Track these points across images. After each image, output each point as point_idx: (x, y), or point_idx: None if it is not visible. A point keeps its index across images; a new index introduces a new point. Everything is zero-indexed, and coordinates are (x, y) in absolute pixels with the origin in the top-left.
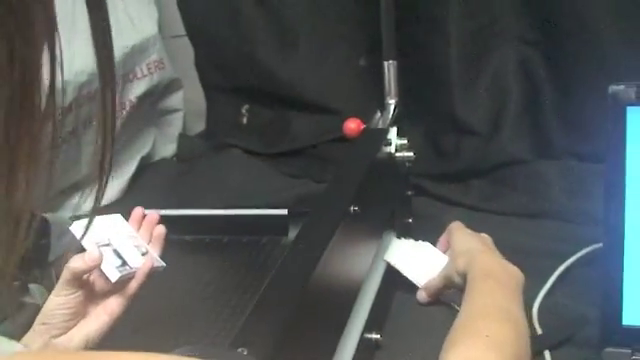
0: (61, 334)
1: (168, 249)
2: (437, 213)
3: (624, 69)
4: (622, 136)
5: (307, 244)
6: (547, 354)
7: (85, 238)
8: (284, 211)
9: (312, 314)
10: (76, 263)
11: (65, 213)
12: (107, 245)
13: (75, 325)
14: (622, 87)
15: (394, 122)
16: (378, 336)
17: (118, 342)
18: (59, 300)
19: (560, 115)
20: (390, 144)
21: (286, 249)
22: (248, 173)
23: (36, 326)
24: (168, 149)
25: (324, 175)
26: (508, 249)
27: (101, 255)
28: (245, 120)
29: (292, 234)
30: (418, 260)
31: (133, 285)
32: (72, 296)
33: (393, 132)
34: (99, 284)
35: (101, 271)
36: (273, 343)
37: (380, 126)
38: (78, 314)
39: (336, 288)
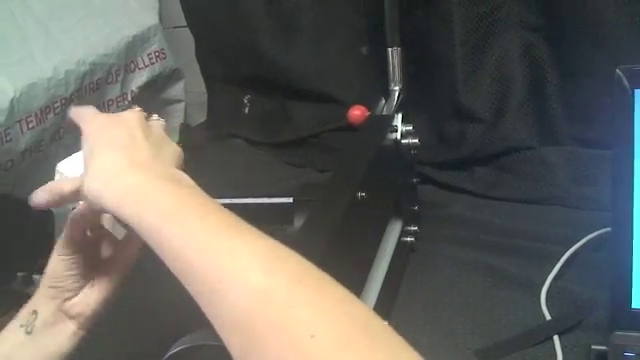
0: (73, 296)
1: None
2: (442, 201)
3: (628, 53)
4: (630, 119)
5: (314, 230)
6: (556, 339)
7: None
8: (289, 199)
9: None
10: (73, 218)
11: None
12: None
13: (86, 285)
14: (629, 70)
15: (399, 109)
16: (385, 323)
17: (117, 335)
18: (64, 260)
19: (565, 101)
20: (396, 130)
21: (292, 237)
22: (251, 163)
23: (44, 289)
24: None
25: (327, 164)
26: (514, 235)
27: (59, 184)
28: (247, 110)
29: (298, 222)
30: None
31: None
32: (76, 254)
33: (398, 118)
34: (97, 238)
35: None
36: None
37: (385, 113)
38: (88, 272)
39: (344, 275)
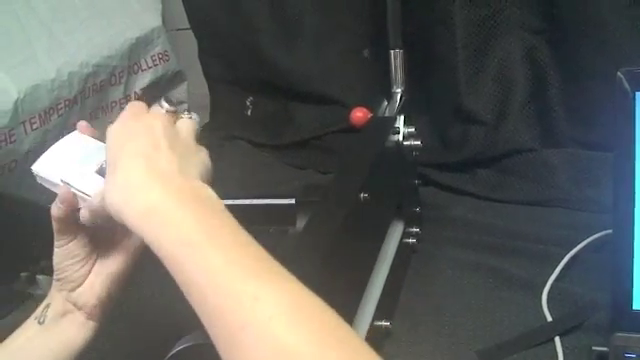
0: (78, 286)
1: None
2: (444, 202)
3: (630, 56)
4: (631, 121)
5: (317, 232)
6: (557, 340)
7: (51, 171)
8: (292, 200)
9: (324, 299)
10: (54, 212)
11: None
12: (76, 167)
13: (89, 272)
14: (630, 72)
15: (401, 111)
16: (388, 323)
17: (121, 336)
18: (60, 251)
19: (566, 103)
20: (398, 132)
21: (294, 238)
22: (253, 164)
23: (54, 282)
24: None
25: (329, 166)
26: (516, 237)
27: (69, 190)
28: (249, 112)
29: (300, 223)
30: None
31: None
32: (71, 243)
33: (400, 120)
34: (92, 219)
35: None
36: None
37: (387, 115)
38: (87, 259)
39: (346, 276)
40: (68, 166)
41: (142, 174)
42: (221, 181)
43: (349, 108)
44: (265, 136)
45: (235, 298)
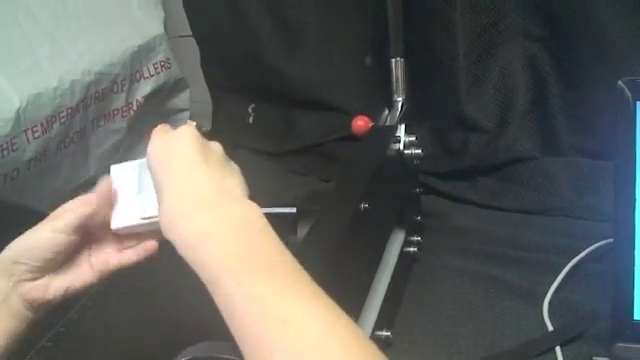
0: (35, 278)
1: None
2: (445, 211)
3: (631, 65)
4: (632, 130)
5: (318, 242)
6: (558, 350)
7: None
8: (293, 209)
9: None
10: (83, 210)
11: None
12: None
13: (54, 271)
14: (631, 82)
15: (402, 119)
16: (389, 333)
17: (127, 344)
18: (48, 236)
19: (567, 112)
20: (399, 141)
21: (295, 247)
22: (254, 172)
23: (4, 263)
24: None
25: (331, 173)
26: (517, 246)
27: (95, 200)
28: (251, 119)
29: (301, 232)
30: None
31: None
32: (66, 242)
33: (402, 129)
34: (100, 232)
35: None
36: None
37: (388, 123)
38: (63, 260)
39: (348, 285)
40: (133, 204)
41: (182, 202)
42: None
43: (351, 116)
44: (267, 143)
45: (265, 322)
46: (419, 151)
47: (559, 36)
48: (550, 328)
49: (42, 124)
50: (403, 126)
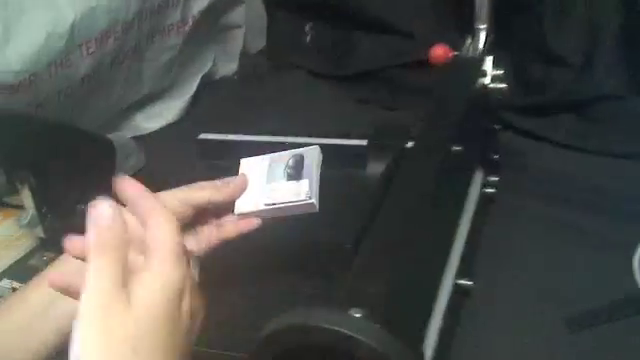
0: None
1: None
2: (523, 149)
3: None
4: None
5: (408, 189)
6: None
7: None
8: (363, 142)
9: (417, 262)
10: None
11: (126, 133)
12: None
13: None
14: None
15: (486, 51)
16: (471, 282)
17: None
18: (173, 204)
19: None
20: (485, 75)
21: (365, 182)
22: (312, 96)
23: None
24: (229, 67)
25: (396, 102)
26: (599, 193)
27: (229, 192)
28: (308, 39)
29: (371, 168)
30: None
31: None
32: (187, 212)
33: (489, 62)
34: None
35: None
36: (386, 302)
37: (470, 54)
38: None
39: (437, 232)
40: (258, 192)
41: None
42: (279, 114)
43: (419, 40)
44: (326, 66)
45: None
46: (504, 86)
47: None
48: None
49: (96, 39)
50: (490, 59)
